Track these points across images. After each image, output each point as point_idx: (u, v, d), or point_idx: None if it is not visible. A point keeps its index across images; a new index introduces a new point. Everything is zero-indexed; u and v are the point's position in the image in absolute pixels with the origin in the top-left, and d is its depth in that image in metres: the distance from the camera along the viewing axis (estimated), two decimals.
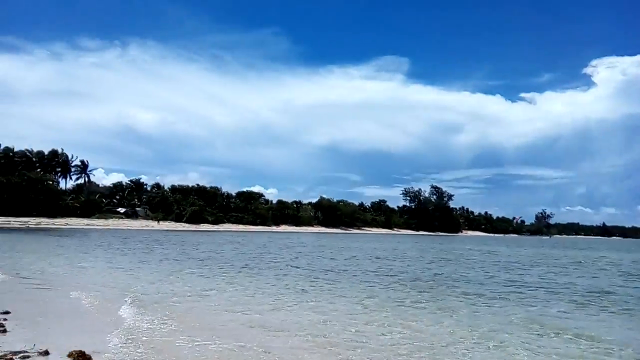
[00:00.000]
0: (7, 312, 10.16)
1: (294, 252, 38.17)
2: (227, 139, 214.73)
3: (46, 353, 7.06)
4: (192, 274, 20.13)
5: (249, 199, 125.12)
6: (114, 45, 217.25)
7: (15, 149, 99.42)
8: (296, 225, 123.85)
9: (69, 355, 6.92)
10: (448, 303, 14.39)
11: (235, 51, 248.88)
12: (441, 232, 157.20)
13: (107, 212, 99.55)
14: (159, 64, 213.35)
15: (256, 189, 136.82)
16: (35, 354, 7.03)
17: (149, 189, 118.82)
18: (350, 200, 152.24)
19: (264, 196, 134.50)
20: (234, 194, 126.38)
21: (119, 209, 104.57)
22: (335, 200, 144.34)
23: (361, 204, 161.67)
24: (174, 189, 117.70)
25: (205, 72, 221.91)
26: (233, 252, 34.90)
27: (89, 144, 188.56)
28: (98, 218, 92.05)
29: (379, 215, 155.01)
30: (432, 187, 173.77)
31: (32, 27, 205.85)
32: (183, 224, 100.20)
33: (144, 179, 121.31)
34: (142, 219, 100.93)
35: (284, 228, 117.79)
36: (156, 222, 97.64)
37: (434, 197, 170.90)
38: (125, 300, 12.86)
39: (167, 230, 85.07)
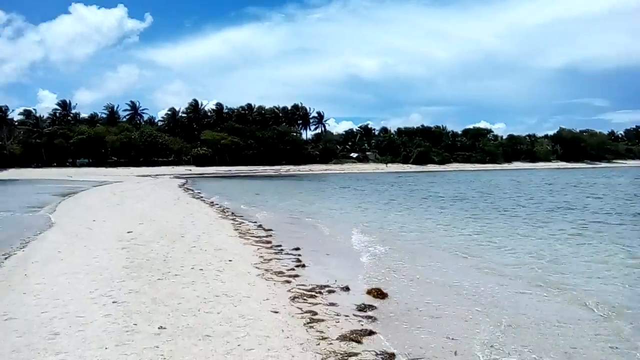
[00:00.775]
0: (298, 249, 11.77)
1: (530, 190, 35.07)
2: (448, 75, 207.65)
3: (347, 289, 7.77)
4: (430, 213, 20.29)
5: (476, 136, 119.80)
6: None
7: (266, 107, 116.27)
8: (531, 162, 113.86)
9: (368, 292, 7.52)
10: None
11: None
12: None
13: (342, 157, 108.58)
14: (377, 7, 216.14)
15: (481, 124, 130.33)
16: (338, 288, 7.84)
17: (376, 133, 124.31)
18: (595, 130, 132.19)
19: (492, 132, 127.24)
20: (459, 132, 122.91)
21: (352, 154, 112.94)
22: (577, 130, 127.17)
23: (611, 133, 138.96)
24: (399, 131, 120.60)
25: (422, 7, 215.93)
26: (462, 191, 33.96)
27: (321, 96, 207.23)
28: (334, 163, 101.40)
29: (635, 144, 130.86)
30: None
31: None
32: (410, 165, 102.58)
33: (370, 124, 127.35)
34: (372, 162, 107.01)
35: (516, 165, 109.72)
36: (385, 165, 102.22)
37: None
38: (375, 238, 13.56)
39: (395, 172, 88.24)
